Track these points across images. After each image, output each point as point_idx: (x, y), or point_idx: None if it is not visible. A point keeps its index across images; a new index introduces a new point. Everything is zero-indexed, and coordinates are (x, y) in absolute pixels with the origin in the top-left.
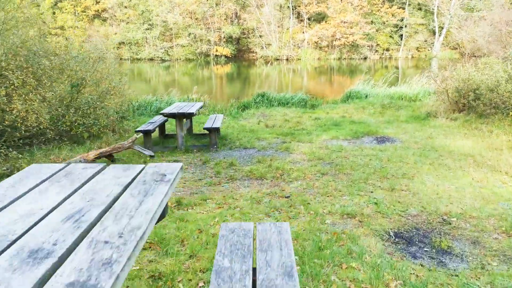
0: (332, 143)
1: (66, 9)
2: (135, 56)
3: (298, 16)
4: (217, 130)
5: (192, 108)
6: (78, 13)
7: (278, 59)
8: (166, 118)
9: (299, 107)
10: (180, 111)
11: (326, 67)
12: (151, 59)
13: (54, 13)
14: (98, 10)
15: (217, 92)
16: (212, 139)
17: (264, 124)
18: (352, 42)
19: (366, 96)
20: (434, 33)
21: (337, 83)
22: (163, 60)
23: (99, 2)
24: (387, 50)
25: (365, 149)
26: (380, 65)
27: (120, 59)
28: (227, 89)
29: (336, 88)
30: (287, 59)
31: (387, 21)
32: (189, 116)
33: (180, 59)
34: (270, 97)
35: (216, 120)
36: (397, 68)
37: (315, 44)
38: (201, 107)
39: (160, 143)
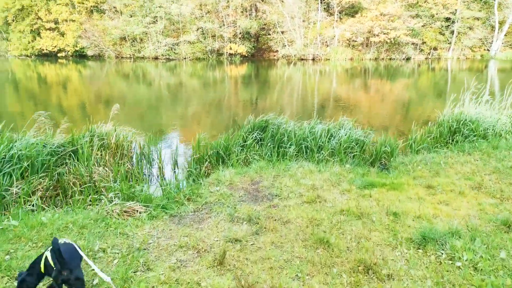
0: None
1: (61, 0)
2: (137, 54)
3: (328, 8)
4: None
5: None
6: (75, 5)
7: (302, 59)
8: None
9: (348, 163)
10: None
11: (360, 68)
12: (156, 58)
13: (48, 4)
14: (97, 1)
15: (206, 110)
16: None
17: None
18: (394, 38)
19: (499, 135)
20: (493, 29)
21: (387, 94)
22: (168, 59)
23: None
24: (435, 49)
25: None
26: (426, 66)
27: (122, 57)
28: (227, 102)
29: (389, 103)
30: (313, 59)
31: (436, 13)
32: None
33: (188, 57)
34: (280, 131)
35: None
36: (446, 70)
37: (347, 41)
38: None
39: None
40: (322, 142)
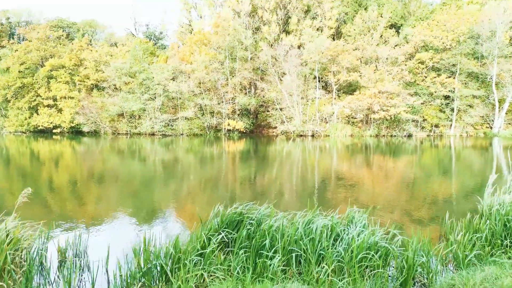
0: None
1: (61, 78)
2: (133, 130)
3: (326, 86)
4: None
5: None
6: (76, 83)
7: (301, 135)
8: None
9: (366, 286)
10: None
11: (361, 145)
12: (152, 134)
13: (49, 82)
14: (97, 79)
15: (198, 189)
16: None
17: None
18: (394, 115)
19: None
20: (493, 107)
21: (391, 171)
22: (164, 135)
23: (100, 70)
24: (436, 126)
25: None
26: (428, 143)
27: (118, 133)
28: (223, 180)
29: (396, 182)
30: (312, 135)
31: (435, 91)
32: None
33: (185, 133)
34: (262, 227)
35: None
36: (450, 148)
37: (347, 118)
38: None
39: None
40: (323, 248)
